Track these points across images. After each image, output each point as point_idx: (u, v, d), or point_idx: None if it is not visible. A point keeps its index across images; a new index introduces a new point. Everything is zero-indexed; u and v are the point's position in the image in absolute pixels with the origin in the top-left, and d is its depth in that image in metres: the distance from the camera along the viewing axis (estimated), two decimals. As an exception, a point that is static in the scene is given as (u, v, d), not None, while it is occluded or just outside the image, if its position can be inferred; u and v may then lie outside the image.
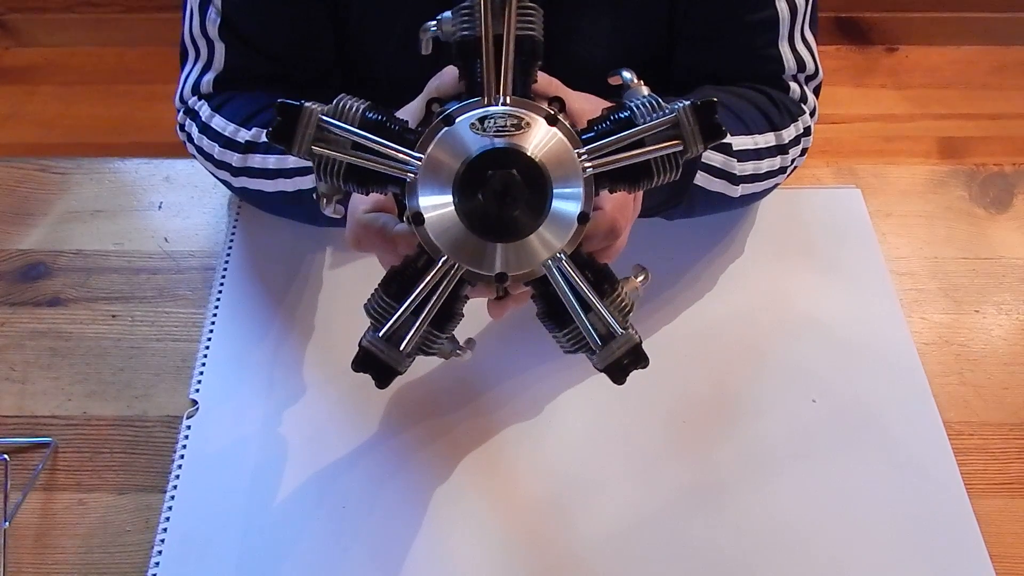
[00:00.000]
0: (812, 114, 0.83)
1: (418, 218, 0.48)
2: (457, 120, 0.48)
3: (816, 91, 0.84)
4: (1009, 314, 0.82)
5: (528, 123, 0.48)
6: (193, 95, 0.81)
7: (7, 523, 0.68)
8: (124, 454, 0.72)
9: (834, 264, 0.84)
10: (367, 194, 0.52)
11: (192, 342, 0.78)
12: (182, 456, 0.71)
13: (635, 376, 0.75)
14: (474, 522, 0.68)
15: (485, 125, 0.48)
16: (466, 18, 0.50)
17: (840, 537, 0.68)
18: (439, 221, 0.48)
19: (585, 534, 0.68)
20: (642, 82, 0.54)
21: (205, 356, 0.77)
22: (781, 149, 0.78)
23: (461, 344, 0.58)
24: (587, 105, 0.57)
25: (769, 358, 0.77)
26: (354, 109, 0.49)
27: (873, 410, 0.74)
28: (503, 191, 0.47)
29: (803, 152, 0.83)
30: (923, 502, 0.69)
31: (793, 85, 0.81)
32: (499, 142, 0.48)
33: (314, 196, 0.58)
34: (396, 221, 0.57)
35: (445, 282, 0.49)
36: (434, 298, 0.49)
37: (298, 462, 0.71)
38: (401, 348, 0.50)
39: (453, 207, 0.48)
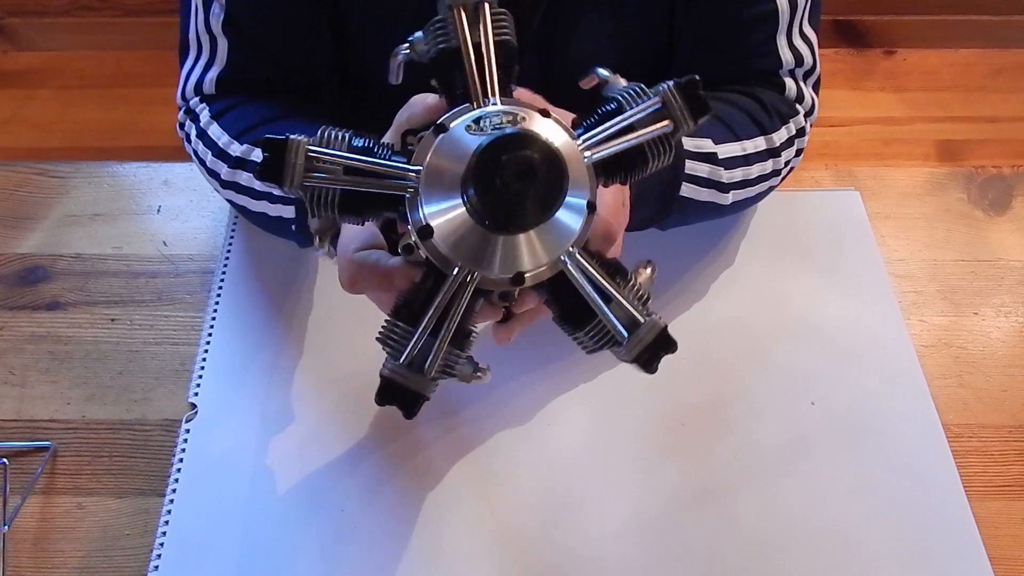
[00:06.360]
0: (811, 112, 0.83)
1: (425, 231, 0.47)
2: (451, 126, 0.47)
3: (815, 87, 0.84)
4: (1008, 316, 0.82)
5: (524, 118, 0.48)
6: (196, 95, 0.81)
7: (6, 527, 0.68)
8: (123, 458, 0.72)
9: (833, 267, 0.84)
10: (363, 223, 0.51)
11: (191, 346, 0.78)
12: (181, 460, 0.71)
13: (633, 378, 0.76)
14: (472, 525, 0.68)
15: (482, 125, 0.47)
16: (440, 31, 0.49)
17: (839, 539, 0.68)
18: (448, 228, 0.47)
19: (583, 538, 0.68)
20: (619, 75, 0.53)
21: (204, 360, 0.76)
22: (772, 152, 0.78)
23: (480, 365, 0.56)
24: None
25: (768, 361, 0.77)
26: (340, 137, 0.48)
27: (872, 413, 0.74)
28: (524, 172, 0.44)
29: (798, 153, 0.83)
30: (922, 505, 0.69)
31: (789, 82, 0.81)
32: (508, 129, 0.46)
33: (293, 227, 0.56)
34: (389, 256, 0.56)
35: (461, 295, 0.48)
36: (452, 313, 0.48)
37: (297, 466, 0.71)
38: (425, 373, 0.49)
39: (464, 208, 0.46)
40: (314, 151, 0.47)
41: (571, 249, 0.48)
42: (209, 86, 0.80)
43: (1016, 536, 0.69)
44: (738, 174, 0.76)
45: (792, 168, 0.84)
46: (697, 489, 0.70)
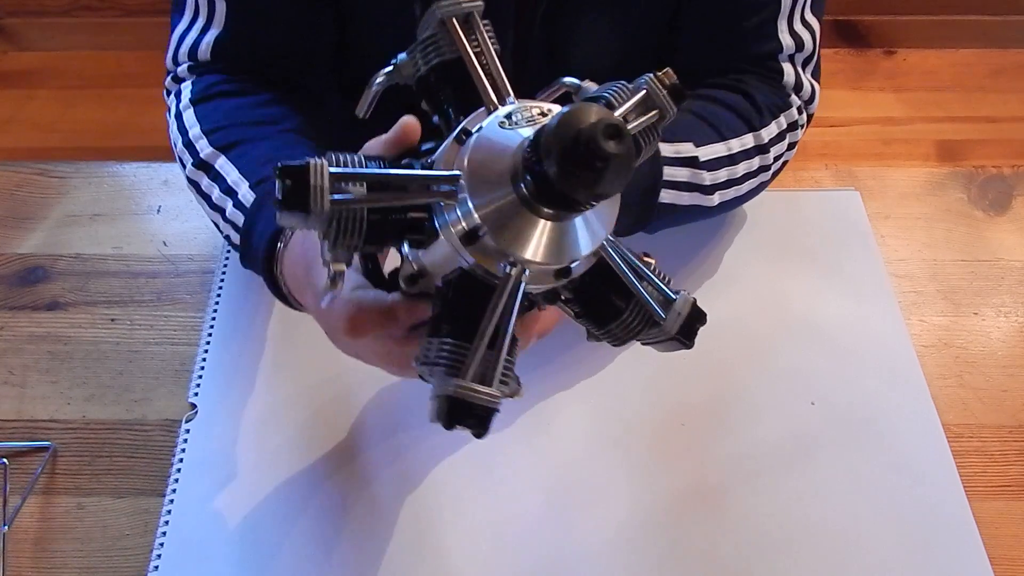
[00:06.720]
0: (811, 100, 0.82)
1: (473, 235, 0.44)
2: (483, 126, 0.45)
3: (815, 75, 0.83)
4: (1008, 316, 0.82)
5: (550, 111, 0.46)
6: (188, 59, 0.78)
7: (7, 527, 0.68)
8: (123, 458, 0.72)
9: (833, 266, 0.84)
10: (383, 249, 0.49)
11: (191, 346, 0.78)
12: (181, 460, 0.71)
13: (633, 378, 0.76)
14: (471, 525, 0.68)
15: (514, 119, 0.45)
16: (432, 47, 0.49)
17: (839, 540, 0.68)
18: (498, 223, 0.44)
19: (582, 539, 0.68)
20: (588, 80, 0.51)
21: (204, 360, 0.76)
22: (761, 149, 0.78)
23: (519, 379, 0.53)
24: None
25: (768, 361, 0.77)
26: (352, 158, 0.46)
27: (872, 413, 0.74)
28: (612, 134, 0.39)
29: (790, 147, 0.82)
30: (922, 504, 0.69)
31: (787, 67, 0.80)
32: (561, 109, 0.42)
33: (238, 253, 0.53)
34: (387, 294, 0.54)
35: (514, 295, 0.45)
36: (506, 316, 0.45)
37: (296, 465, 0.71)
38: (492, 383, 0.45)
39: (514, 197, 0.43)
40: (337, 171, 0.43)
41: (609, 235, 0.48)
42: (205, 51, 0.77)
43: (1016, 536, 0.69)
44: (723, 174, 0.75)
45: (785, 162, 0.83)
46: (697, 489, 0.70)
